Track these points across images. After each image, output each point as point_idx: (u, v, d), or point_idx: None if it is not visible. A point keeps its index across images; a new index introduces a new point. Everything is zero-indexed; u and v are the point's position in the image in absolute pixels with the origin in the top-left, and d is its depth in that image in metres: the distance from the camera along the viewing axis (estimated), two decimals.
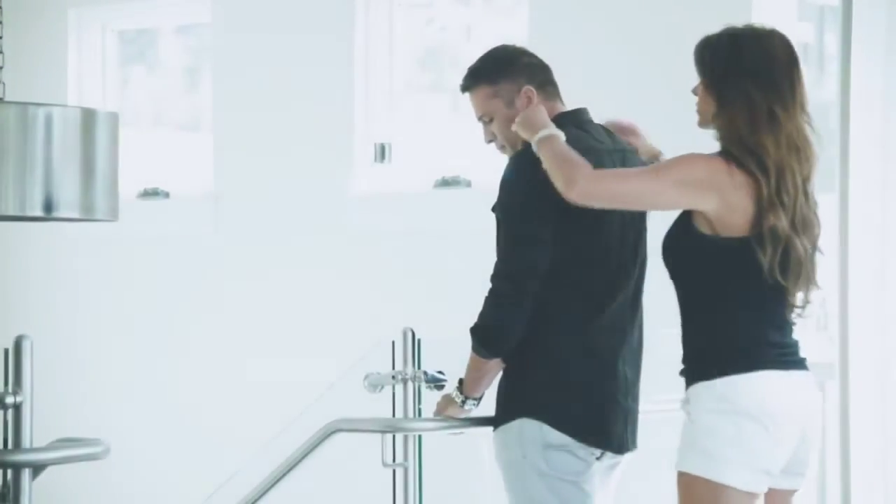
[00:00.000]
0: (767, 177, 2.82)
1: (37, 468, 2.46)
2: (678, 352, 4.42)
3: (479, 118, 3.24)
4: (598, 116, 3.32)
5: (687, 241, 2.88)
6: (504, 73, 3.18)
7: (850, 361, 4.24)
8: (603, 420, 3.10)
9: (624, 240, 3.15)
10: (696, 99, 2.95)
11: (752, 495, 2.82)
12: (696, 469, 2.83)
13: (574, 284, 3.11)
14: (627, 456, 3.20)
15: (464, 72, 3.26)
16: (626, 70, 4.84)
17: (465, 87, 3.23)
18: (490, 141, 3.25)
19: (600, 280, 3.11)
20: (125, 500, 5.92)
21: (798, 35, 4.71)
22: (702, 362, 2.89)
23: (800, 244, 2.85)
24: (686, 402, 2.91)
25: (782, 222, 2.82)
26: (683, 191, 2.84)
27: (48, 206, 2.71)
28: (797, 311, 2.90)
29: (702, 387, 2.87)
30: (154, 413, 5.84)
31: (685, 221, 2.90)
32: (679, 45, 4.74)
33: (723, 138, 2.89)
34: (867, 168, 4.25)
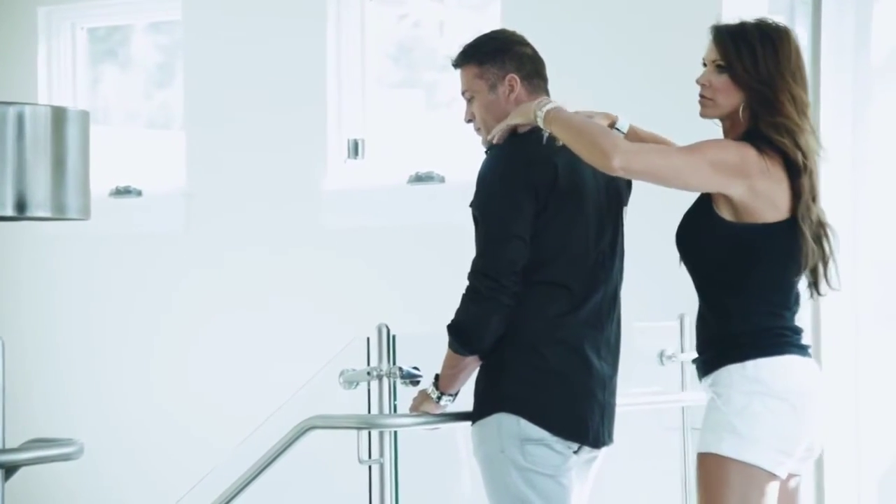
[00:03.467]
0: (805, 159, 2.85)
1: (9, 469, 2.44)
2: (653, 345, 4.44)
3: (462, 93, 3.27)
4: (572, 110, 3.32)
5: (709, 227, 2.90)
6: (493, 57, 3.21)
7: (822, 356, 4.27)
8: (580, 414, 3.11)
9: (601, 235, 3.16)
10: (690, 89, 2.96)
11: (777, 478, 2.86)
12: (728, 450, 2.83)
13: (552, 280, 3.11)
14: (604, 450, 3.21)
15: (445, 59, 3.29)
16: (598, 64, 4.85)
17: (455, 63, 3.27)
18: (469, 120, 3.28)
19: (578, 276, 3.12)
20: (100, 501, 5.90)
21: None
22: (731, 345, 2.89)
23: (823, 232, 2.93)
24: (714, 384, 2.90)
25: (819, 207, 2.89)
26: (716, 172, 2.84)
27: (20, 206, 2.69)
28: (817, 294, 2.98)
29: (733, 369, 2.87)
30: (127, 412, 5.82)
31: (705, 207, 2.91)
32: (650, 37, 4.76)
33: (742, 128, 2.89)
34: (837, 160, 4.27)
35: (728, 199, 2.87)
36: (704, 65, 2.94)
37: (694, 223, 2.94)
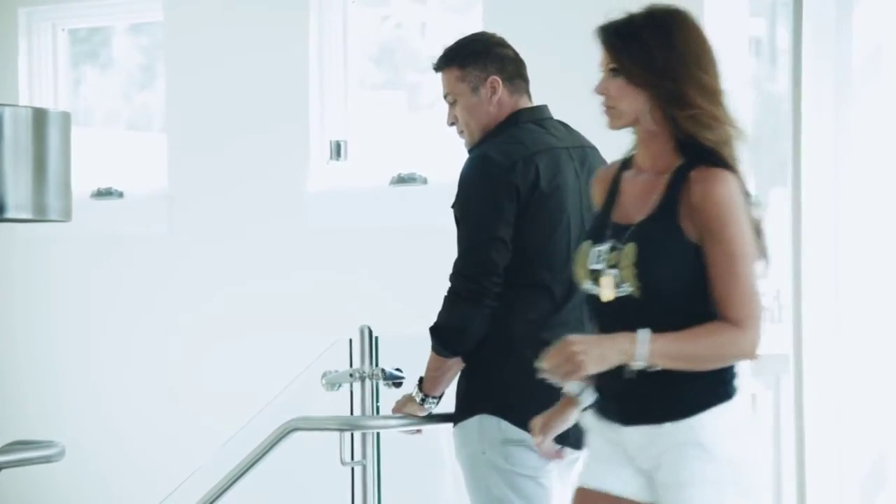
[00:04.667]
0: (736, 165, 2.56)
1: None
2: None
3: (445, 97, 3.27)
4: (552, 112, 3.33)
5: (679, 249, 2.52)
6: (474, 60, 3.21)
7: (804, 354, 4.27)
8: None
9: (582, 237, 3.16)
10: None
11: None
12: None
13: (533, 282, 3.12)
14: (586, 451, 3.21)
15: (428, 61, 3.30)
16: (579, 66, 4.85)
17: (436, 66, 3.27)
18: (451, 124, 3.28)
19: (560, 277, 3.12)
20: (83, 502, 5.88)
21: (750, 29, 4.74)
22: (708, 382, 2.51)
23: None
24: (693, 430, 2.48)
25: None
26: (754, 243, 2.55)
27: (0, 207, 2.68)
28: None
29: (717, 412, 2.49)
30: (109, 412, 5.80)
31: (670, 224, 2.53)
32: None
33: (656, 135, 2.58)
34: (819, 161, 4.28)
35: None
36: None
37: (658, 243, 2.53)
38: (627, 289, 2.52)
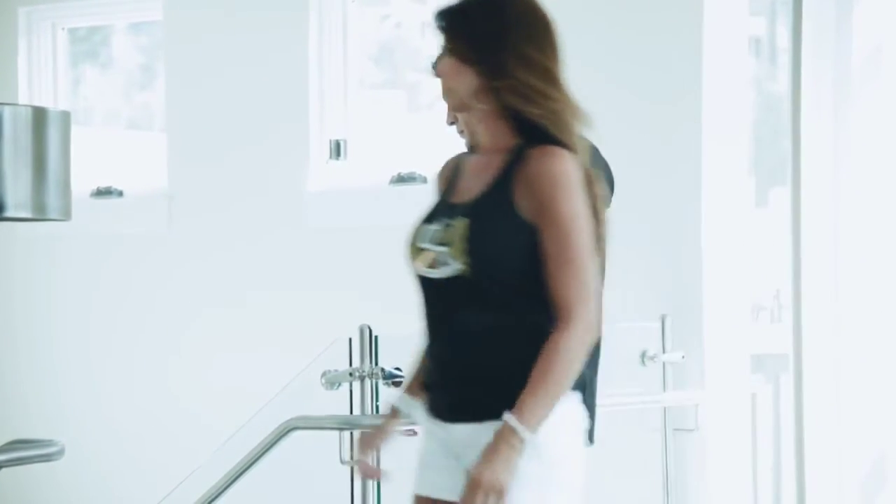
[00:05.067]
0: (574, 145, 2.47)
1: None
2: (635, 346, 4.44)
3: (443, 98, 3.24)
4: None
5: (511, 227, 2.45)
6: None
7: (803, 353, 4.28)
8: None
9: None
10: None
11: None
12: None
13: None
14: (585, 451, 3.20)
15: (427, 61, 3.27)
16: (580, 65, 4.85)
17: (435, 66, 3.24)
18: (451, 123, 3.26)
19: None
20: (83, 501, 5.88)
21: (750, 28, 4.74)
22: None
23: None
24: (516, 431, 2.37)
25: None
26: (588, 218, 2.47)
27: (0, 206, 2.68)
28: None
29: (570, 398, 2.46)
30: (110, 411, 5.80)
31: (503, 200, 2.46)
32: (633, 40, 4.77)
33: (493, 115, 2.51)
34: (819, 160, 4.28)
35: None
36: None
37: (488, 219, 2.45)
38: (458, 267, 2.44)
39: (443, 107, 3.33)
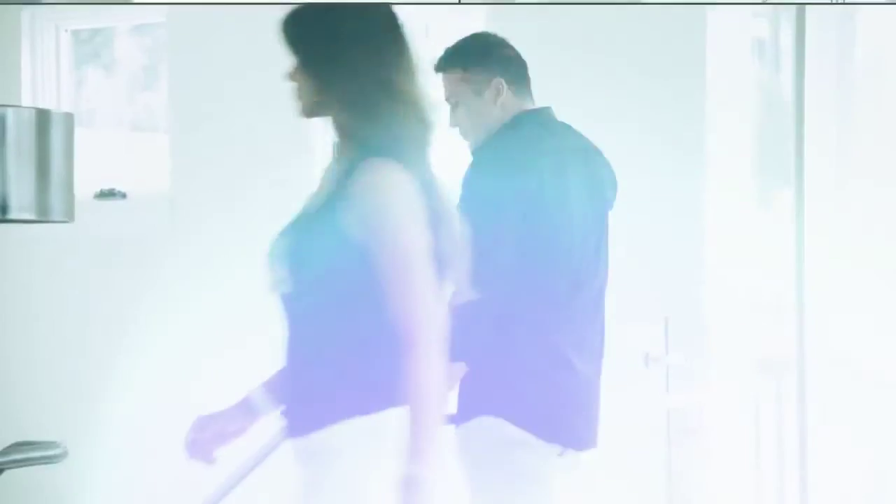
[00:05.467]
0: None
1: None
2: (638, 348, 4.43)
3: (447, 99, 3.22)
4: (556, 114, 3.32)
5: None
6: (477, 61, 3.17)
7: (806, 355, 4.28)
8: (564, 417, 3.11)
9: (586, 239, 3.15)
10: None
11: None
12: None
13: (536, 283, 3.11)
14: (588, 453, 3.21)
15: (431, 62, 3.26)
16: (581, 68, 4.86)
17: (438, 67, 3.22)
18: (454, 125, 3.24)
19: (562, 279, 3.12)
20: (79, 502, 5.88)
21: (753, 30, 4.74)
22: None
23: None
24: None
25: None
26: None
27: (3, 208, 2.69)
28: None
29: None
30: (113, 414, 5.80)
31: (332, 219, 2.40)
32: (635, 43, 4.77)
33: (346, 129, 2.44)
34: (822, 162, 4.29)
35: None
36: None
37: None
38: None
39: (445, 109, 3.33)
